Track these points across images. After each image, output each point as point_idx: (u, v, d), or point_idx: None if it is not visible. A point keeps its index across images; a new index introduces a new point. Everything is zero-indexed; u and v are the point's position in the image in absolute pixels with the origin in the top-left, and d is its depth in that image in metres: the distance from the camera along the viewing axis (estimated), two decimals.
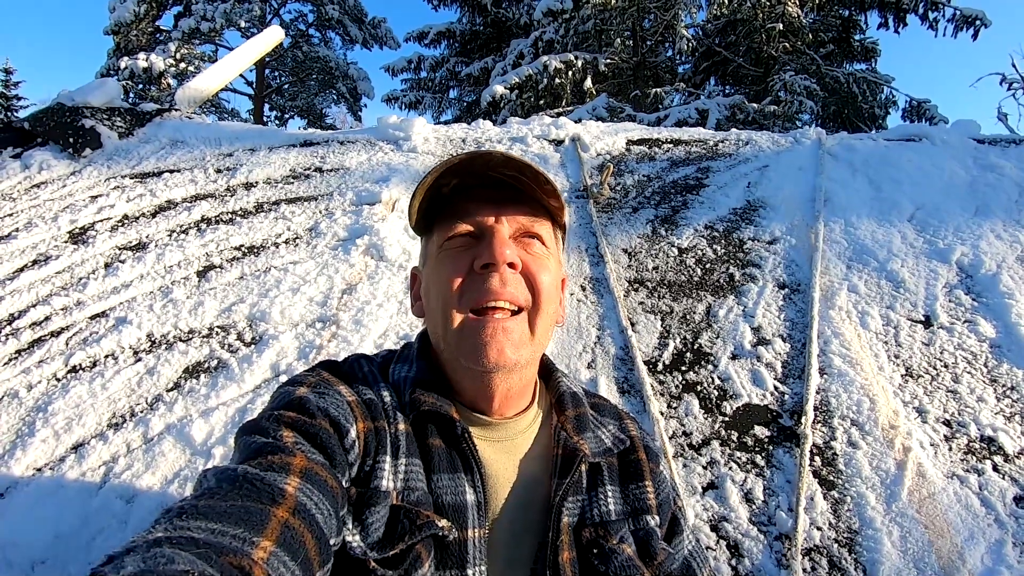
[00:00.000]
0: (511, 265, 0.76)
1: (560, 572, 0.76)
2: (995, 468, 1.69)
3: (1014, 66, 10.35)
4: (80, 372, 1.98)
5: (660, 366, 2.06)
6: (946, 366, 2.02)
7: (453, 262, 0.78)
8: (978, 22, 10.74)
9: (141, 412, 1.84)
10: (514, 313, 0.77)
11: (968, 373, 1.99)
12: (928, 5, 11.09)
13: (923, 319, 2.21)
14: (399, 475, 0.73)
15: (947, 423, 1.83)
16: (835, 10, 12.30)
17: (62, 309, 2.24)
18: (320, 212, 2.86)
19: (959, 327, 2.16)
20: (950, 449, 1.75)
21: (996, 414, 1.84)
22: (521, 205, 0.81)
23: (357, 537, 0.67)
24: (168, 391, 1.92)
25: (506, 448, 0.83)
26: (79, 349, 2.05)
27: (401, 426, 0.77)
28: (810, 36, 11.15)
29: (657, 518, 0.90)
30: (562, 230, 0.90)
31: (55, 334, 2.12)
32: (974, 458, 1.72)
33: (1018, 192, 2.84)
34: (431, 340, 0.85)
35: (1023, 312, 2.16)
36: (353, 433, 0.71)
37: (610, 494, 0.86)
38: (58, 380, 1.94)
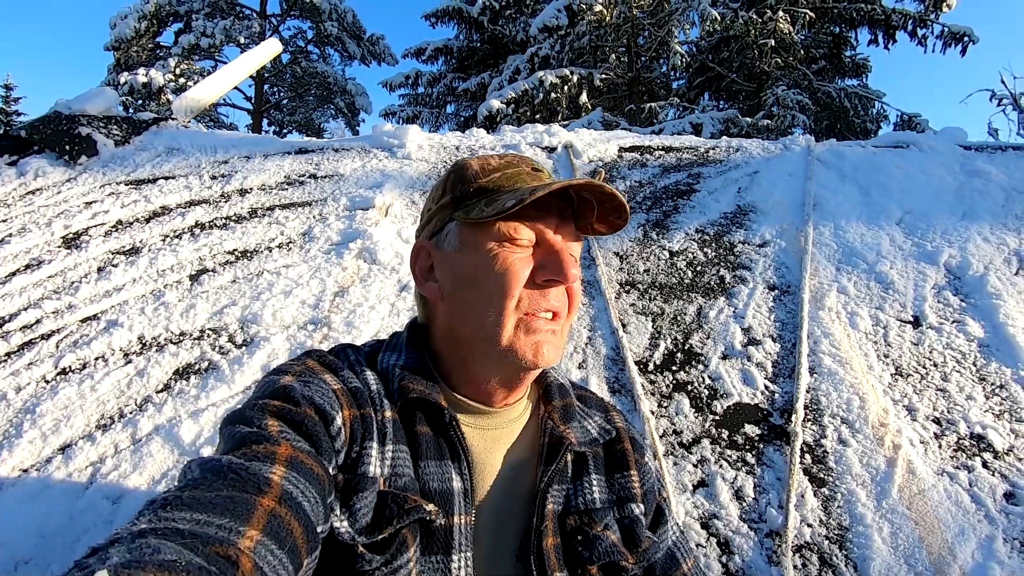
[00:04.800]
0: None
1: (544, 557, 0.76)
2: (984, 465, 1.69)
3: (1003, 83, 10.54)
4: (69, 374, 1.97)
5: (651, 366, 2.06)
6: (935, 365, 2.03)
7: (517, 268, 0.77)
8: (966, 39, 10.95)
9: (130, 413, 1.84)
10: (554, 317, 0.81)
11: (957, 372, 2.00)
12: (917, 22, 11.31)
13: (912, 319, 2.23)
14: (386, 461, 0.73)
15: (937, 421, 1.83)
16: (826, 27, 12.53)
17: (53, 312, 2.23)
18: (314, 217, 2.88)
19: (948, 327, 2.17)
20: (940, 446, 1.75)
21: (985, 412, 1.85)
22: (570, 222, 0.84)
23: (345, 523, 0.67)
24: (158, 392, 1.91)
25: (494, 436, 0.84)
26: (69, 351, 2.05)
27: (388, 413, 0.77)
28: (802, 52, 11.32)
29: (642, 506, 0.90)
30: None
31: (45, 337, 2.12)
32: (964, 455, 1.72)
33: (1004, 196, 2.88)
34: (437, 331, 0.85)
35: (1010, 312, 2.17)
36: (339, 420, 0.71)
37: (595, 483, 0.86)
38: (47, 382, 1.94)
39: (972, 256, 2.48)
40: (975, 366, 2.01)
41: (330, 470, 0.67)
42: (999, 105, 10.82)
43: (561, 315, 0.81)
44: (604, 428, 0.92)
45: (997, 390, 1.92)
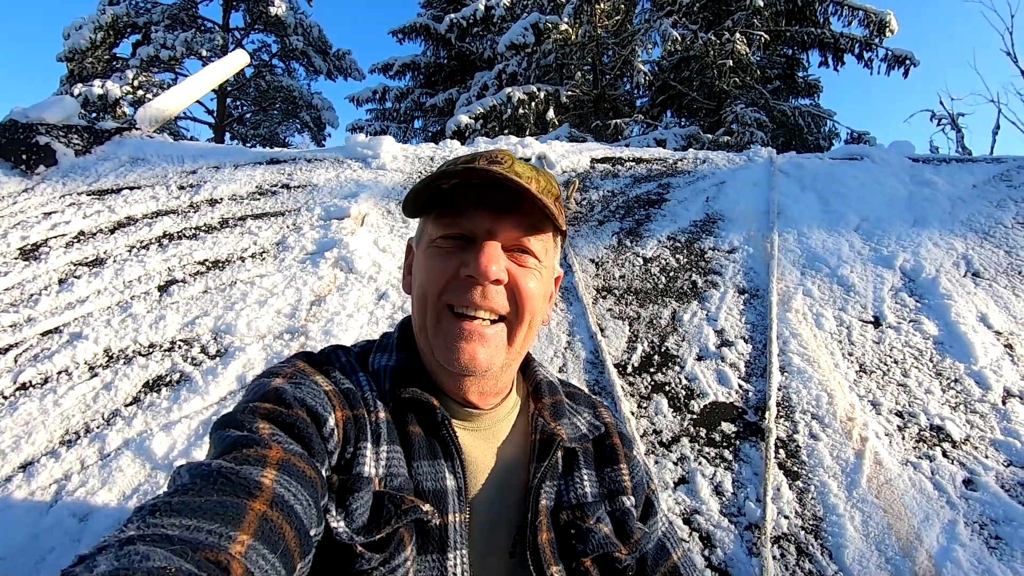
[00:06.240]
0: (496, 281, 0.75)
1: (540, 552, 0.77)
2: (945, 454, 1.78)
3: (942, 104, 11.29)
4: (30, 389, 1.88)
5: (629, 368, 2.10)
6: (896, 362, 2.13)
7: (441, 263, 0.77)
8: (908, 62, 11.63)
9: (97, 428, 1.76)
10: (494, 321, 0.77)
11: (916, 368, 2.10)
12: (863, 46, 11.95)
13: (873, 319, 2.34)
14: (381, 462, 0.73)
15: (899, 414, 1.92)
16: (780, 49, 13.13)
17: (11, 326, 2.14)
18: (288, 227, 2.84)
19: (905, 326, 2.30)
20: (903, 438, 1.84)
21: (943, 404, 1.95)
22: (521, 214, 0.77)
23: (342, 523, 0.66)
24: (127, 406, 1.84)
25: (485, 435, 0.84)
26: (29, 366, 1.96)
27: (381, 414, 0.76)
28: (758, 72, 11.82)
29: (632, 499, 0.91)
30: (562, 235, 0.87)
31: (3, 351, 2.02)
32: (925, 445, 1.81)
33: (950, 204, 3.07)
34: (413, 327, 0.84)
35: (961, 311, 2.31)
36: (331, 422, 0.70)
37: (586, 478, 0.87)
38: (5, 398, 1.85)
39: (924, 260, 2.64)
40: (931, 362, 2.13)
41: (323, 472, 0.66)
42: (939, 124, 11.56)
43: (503, 316, 0.77)
44: (593, 424, 0.94)
45: (952, 384, 2.03)
